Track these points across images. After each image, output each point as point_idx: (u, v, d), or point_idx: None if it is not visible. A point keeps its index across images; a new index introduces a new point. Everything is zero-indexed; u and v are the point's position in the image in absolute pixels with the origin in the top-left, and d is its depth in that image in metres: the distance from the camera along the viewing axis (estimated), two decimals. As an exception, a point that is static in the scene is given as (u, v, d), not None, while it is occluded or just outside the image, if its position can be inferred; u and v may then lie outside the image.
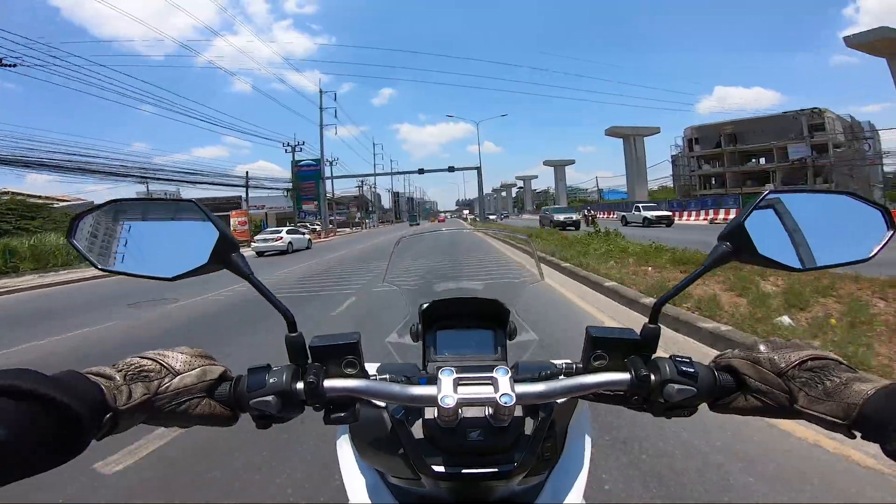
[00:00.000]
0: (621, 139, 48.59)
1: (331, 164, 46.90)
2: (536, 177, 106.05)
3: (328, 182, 46.69)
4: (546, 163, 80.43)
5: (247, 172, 35.22)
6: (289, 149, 40.09)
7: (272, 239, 18.90)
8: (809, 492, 1.76)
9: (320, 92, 44.28)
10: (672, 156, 54.54)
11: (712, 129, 50.53)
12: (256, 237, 19.88)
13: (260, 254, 18.22)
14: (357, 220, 62.60)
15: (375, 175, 57.04)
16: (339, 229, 52.91)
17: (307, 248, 20.61)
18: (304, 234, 22.10)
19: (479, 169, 47.01)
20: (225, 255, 0.51)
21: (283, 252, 18.41)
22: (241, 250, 0.52)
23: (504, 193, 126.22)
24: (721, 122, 50.56)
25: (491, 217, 38.99)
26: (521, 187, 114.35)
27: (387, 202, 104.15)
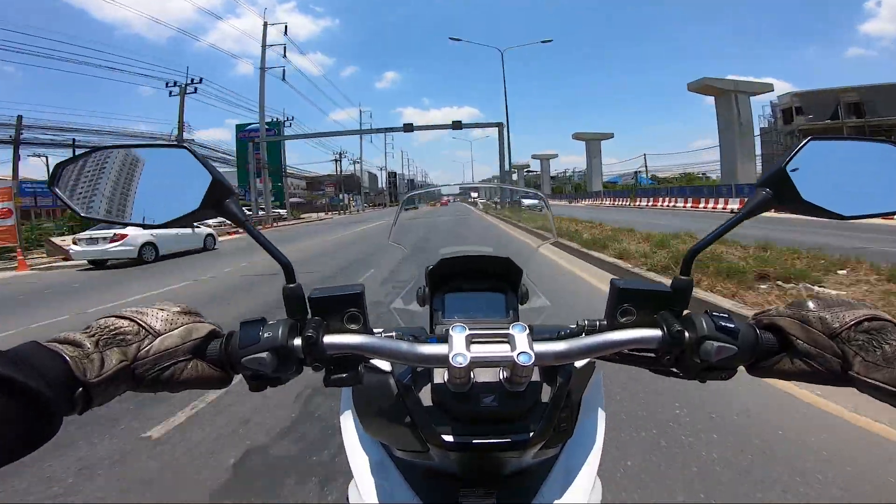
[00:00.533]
0: (712, 97, 34.23)
1: (279, 123, 31.99)
2: (556, 155, 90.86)
3: (283, 151, 32.47)
4: (576, 136, 63.68)
5: (19, 118, 20.38)
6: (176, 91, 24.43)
7: (105, 238, 10.81)
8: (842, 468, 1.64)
9: (265, 24, 30.04)
10: (761, 129, 40.31)
11: (826, 97, 36.35)
12: (80, 235, 11.44)
13: (96, 263, 11.05)
14: (328, 202, 48.46)
15: (361, 132, 41.21)
16: (304, 214, 39.37)
17: (205, 248, 13.42)
18: (194, 226, 13.13)
19: (501, 126, 30.23)
20: (218, 201, 0.48)
21: (137, 261, 10.95)
22: (235, 196, 0.50)
23: (515, 176, 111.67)
24: (839, 87, 36.38)
25: (526, 202, 16.52)
26: (530, 170, 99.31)
27: (384, 183, 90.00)
